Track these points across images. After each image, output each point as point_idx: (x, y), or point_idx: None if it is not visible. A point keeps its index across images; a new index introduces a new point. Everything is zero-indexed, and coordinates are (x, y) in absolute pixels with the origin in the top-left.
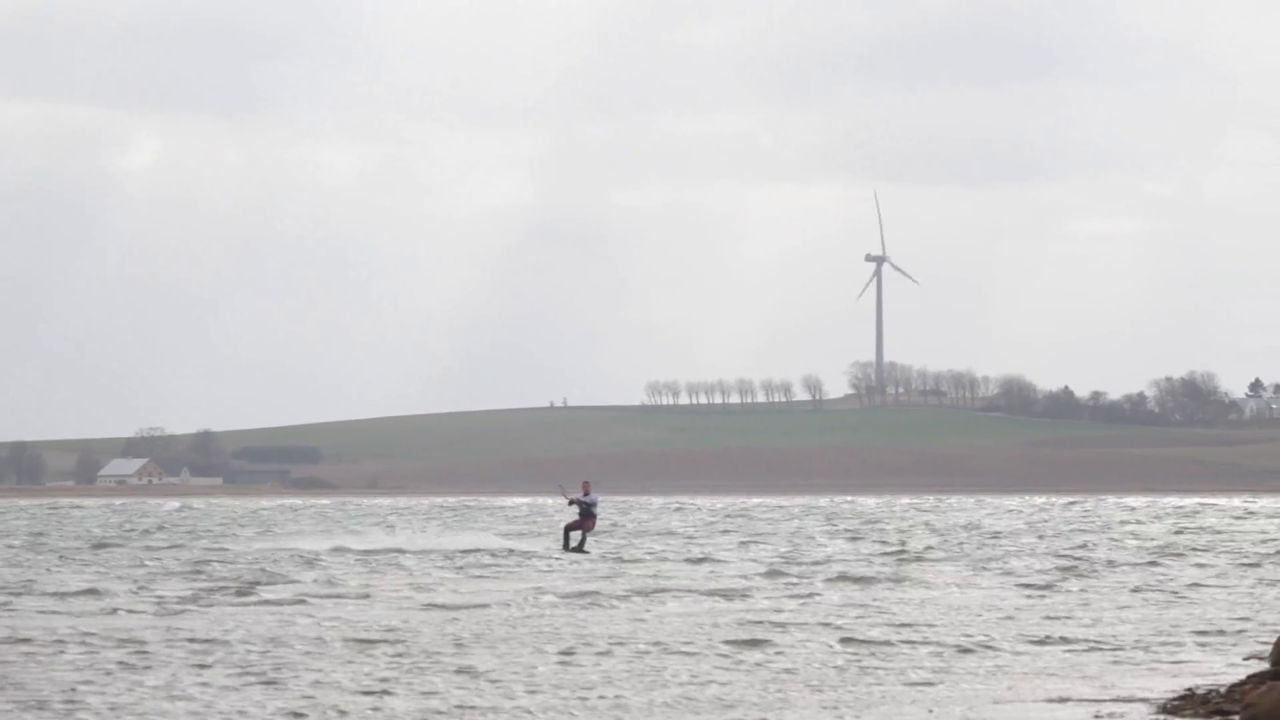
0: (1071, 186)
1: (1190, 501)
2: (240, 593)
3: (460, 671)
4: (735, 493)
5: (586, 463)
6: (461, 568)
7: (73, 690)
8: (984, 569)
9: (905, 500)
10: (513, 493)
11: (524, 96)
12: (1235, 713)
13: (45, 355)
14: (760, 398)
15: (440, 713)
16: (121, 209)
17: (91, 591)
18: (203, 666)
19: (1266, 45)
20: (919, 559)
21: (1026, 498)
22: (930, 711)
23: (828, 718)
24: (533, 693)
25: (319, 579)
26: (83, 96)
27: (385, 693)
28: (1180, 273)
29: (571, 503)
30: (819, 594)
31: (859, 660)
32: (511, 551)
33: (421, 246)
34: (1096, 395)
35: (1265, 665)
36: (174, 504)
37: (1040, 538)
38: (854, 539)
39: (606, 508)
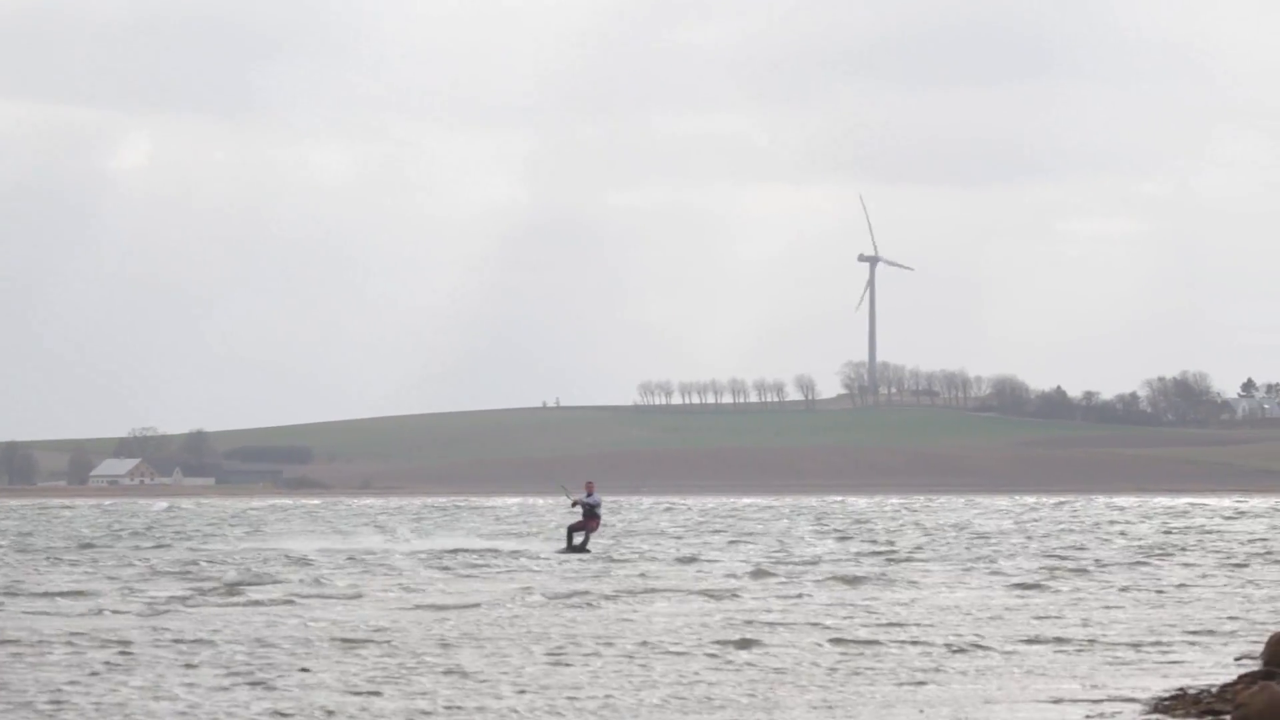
0: (1065, 186)
1: (1180, 502)
2: (227, 593)
3: (448, 672)
4: (728, 493)
5: (579, 463)
6: (449, 568)
7: (59, 691)
8: (973, 569)
9: (895, 500)
10: (506, 493)
11: (519, 96)
12: (1227, 713)
13: (38, 355)
14: (753, 398)
15: (428, 713)
16: (116, 209)
17: (78, 592)
18: (189, 667)
19: (1261, 46)
20: (908, 559)
21: (1017, 498)
22: (921, 712)
23: (818, 718)
24: (521, 693)
25: (306, 579)
26: (78, 96)
27: (373, 693)
28: (1174, 273)
29: (575, 504)
30: (808, 594)
31: (849, 660)
32: (498, 551)
33: (416, 246)
34: (1089, 395)
35: (1257, 665)
36: (162, 504)
37: (1029, 538)
38: (843, 539)
39: None
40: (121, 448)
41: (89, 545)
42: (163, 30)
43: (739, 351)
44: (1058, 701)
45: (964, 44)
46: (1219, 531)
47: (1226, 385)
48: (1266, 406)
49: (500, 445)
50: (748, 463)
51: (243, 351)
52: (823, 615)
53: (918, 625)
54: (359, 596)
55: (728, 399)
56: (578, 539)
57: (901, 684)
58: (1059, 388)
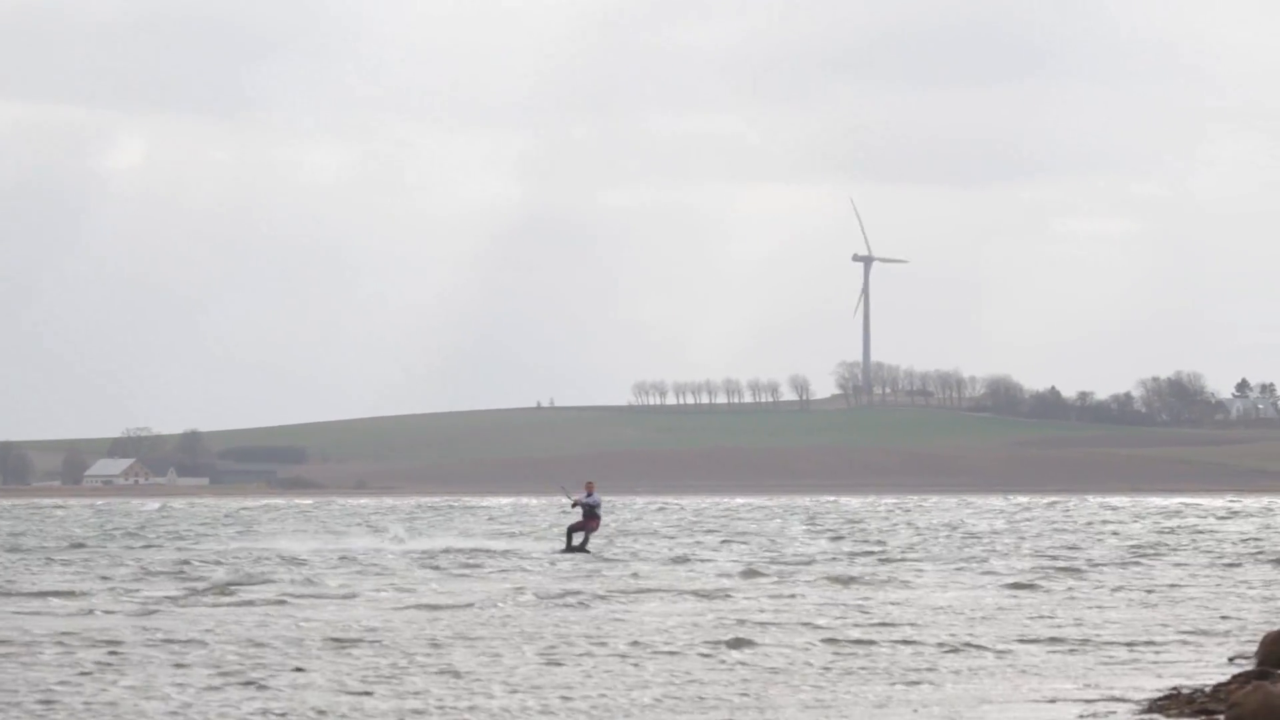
0: (1061, 186)
1: (1173, 502)
2: (219, 593)
3: (441, 672)
4: (722, 493)
5: (573, 463)
6: (442, 568)
7: (50, 691)
8: (965, 569)
9: (889, 500)
10: (500, 492)
11: (511, 95)
12: (1220, 712)
13: (32, 355)
14: (747, 398)
15: (420, 713)
16: (110, 208)
17: (70, 592)
18: (181, 667)
19: (1257, 47)
20: (901, 559)
21: (1010, 498)
22: (915, 712)
23: (811, 718)
24: (513, 693)
25: (298, 579)
26: (75, 96)
27: (365, 693)
28: (1169, 273)
29: (575, 504)
30: (800, 594)
31: (841, 660)
32: (491, 551)
33: (409, 246)
34: (1083, 395)
35: (1250, 665)
36: (154, 504)
37: (1022, 538)
38: (835, 539)
39: None
40: (116, 448)
41: (80, 545)
42: (160, 30)
43: (733, 351)
44: (1051, 701)
45: (961, 44)
46: (1212, 531)
47: (1221, 385)
48: (1260, 407)
49: (494, 445)
50: (742, 463)
51: (238, 351)
52: (815, 615)
53: (911, 625)
54: (351, 596)
55: (722, 399)
56: (577, 539)
57: (894, 684)
58: (1053, 388)
